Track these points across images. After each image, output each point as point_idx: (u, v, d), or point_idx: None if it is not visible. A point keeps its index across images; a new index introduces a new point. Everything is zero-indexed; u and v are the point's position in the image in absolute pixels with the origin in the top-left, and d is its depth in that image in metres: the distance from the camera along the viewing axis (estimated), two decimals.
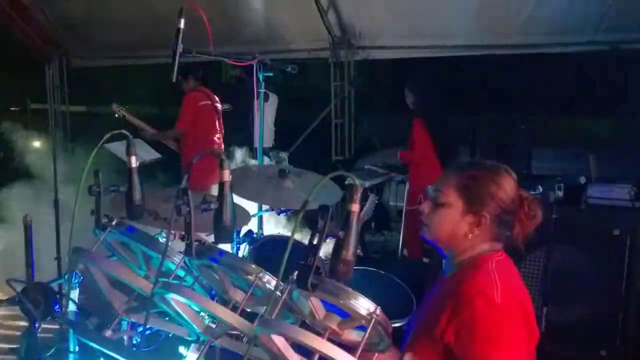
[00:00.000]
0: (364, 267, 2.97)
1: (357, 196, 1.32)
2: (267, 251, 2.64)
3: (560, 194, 2.74)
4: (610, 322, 3.02)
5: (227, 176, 1.48)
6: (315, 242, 1.26)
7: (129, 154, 1.69)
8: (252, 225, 3.09)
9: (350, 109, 6.79)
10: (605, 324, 3.05)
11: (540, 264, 2.93)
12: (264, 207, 3.06)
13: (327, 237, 1.28)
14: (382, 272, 2.89)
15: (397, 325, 2.45)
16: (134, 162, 1.71)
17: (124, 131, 1.65)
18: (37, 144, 6.93)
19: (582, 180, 2.72)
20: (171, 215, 1.48)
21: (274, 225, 3.24)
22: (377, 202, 3.57)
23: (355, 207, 1.32)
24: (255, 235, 2.83)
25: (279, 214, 2.88)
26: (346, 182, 1.36)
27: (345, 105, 6.78)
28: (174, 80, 2.35)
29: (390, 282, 2.88)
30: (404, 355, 1.71)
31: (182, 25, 2.34)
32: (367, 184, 5.04)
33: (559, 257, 2.96)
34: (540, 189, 3.00)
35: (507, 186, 1.80)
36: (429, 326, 1.78)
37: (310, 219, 1.33)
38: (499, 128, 5.62)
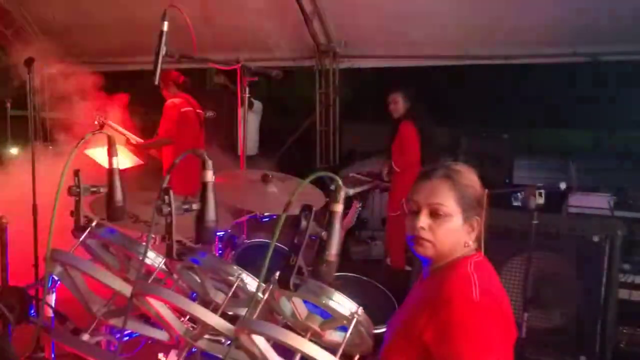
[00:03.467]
0: (346, 273, 2.96)
1: (340, 197, 1.32)
2: (250, 256, 2.63)
3: (541, 200, 2.76)
4: (589, 328, 3.04)
5: (209, 177, 1.47)
6: (297, 242, 1.25)
7: (109, 154, 1.67)
8: (235, 230, 3.07)
9: (335, 117, 6.81)
10: (584, 329, 3.07)
11: (520, 269, 2.95)
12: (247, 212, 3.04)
13: (309, 237, 1.27)
14: (365, 278, 2.89)
15: (379, 331, 2.45)
16: (115, 163, 1.69)
17: (104, 131, 1.63)
18: (16, 150, 6.85)
19: (563, 186, 2.75)
20: (153, 217, 1.46)
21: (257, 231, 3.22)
22: (360, 209, 3.58)
23: (337, 208, 1.31)
24: (238, 241, 2.81)
25: (262, 221, 2.87)
26: (331, 187, 1.34)
27: (330, 113, 6.79)
28: (156, 82, 2.33)
29: (373, 288, 2.88)
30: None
31: (165, 27, 2.32)
32: (352, 192, 5.04)
33: (539, 263, 2.98)
34: (520, 196, 3.02)
35: (480, 183, 1.83)
36: (408, 327, 1.78)
37: (292, 223, 1.32)
38: (482, 138, 5.67)
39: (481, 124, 6.27)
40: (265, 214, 2.81)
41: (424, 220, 1.75)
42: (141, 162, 5.20)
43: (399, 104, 5.19)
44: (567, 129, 7.37)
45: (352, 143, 7.26)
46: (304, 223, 1.24)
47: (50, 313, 1.89)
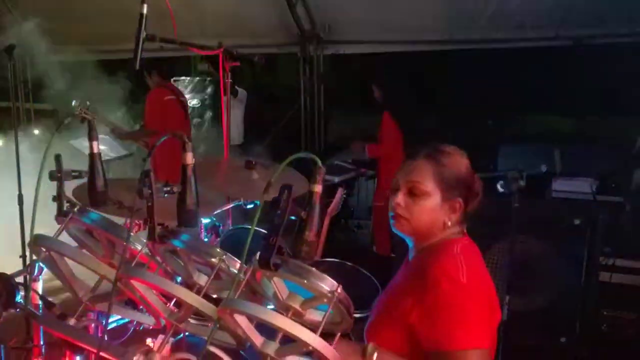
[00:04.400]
0: (330, 259, 2.99)
1: (320, 177, 1.34)
2: (235, 242, 2.64)
3: (522, 183, 2.80)
4: (570, 310, 3.10)
5: (189, 159, 1.48)
6: (276, 222, 1.27)
7: (90, 138, 1.68)
8: (219, 217, 3.08)
9: (320, 104, 6.79)
10: (565, 311, 3.13)
11: (503, 253, 3.00)
12: (231, 199, 3.05)
13: (289, 217, 1.29)
14: (349, 264, 2.92)
15: (363, 315, 2.48)
16: (96, 148, 1.69)
17: (85, 115, 1.63)
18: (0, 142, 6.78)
19: (543, 168, 2.78)
20: (135, 200, 1.47)
21: (242, 218, 3.23)
22: (345, 196, 3.59)
23: (317, 188, 1.33)
24: (222, 228, 2.83)
25: (246, 207, 2.88)
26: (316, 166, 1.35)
27: (314, 100, 6.78)
28: (136, 68, 2.32)
29: (357, 273, 2.92)
30: (367, 343, 1.72)
31: (144, 10, 2.29)
32: (337, 179, 5.07)
33: (521, 247, 3.02)
34: (502, 182, 3.06)
35: (468, 165, 1.85)
36: (393, 308, 1.80)
37: (273, 202, 1.33)
38: (466, 124, 5.71)
39: (466, 110, 6.29)
40: (250, 200, 2.82)
41: (401, 198, 1.80)
42: (127, 152, 5.18)
43: (375, 93, 5.19)
44: (552, 115, 7.42)
45: (338, 131, 7.26)
46: (283, 203, 1.26)
47: (37, 300, 1.90)
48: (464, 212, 1.85)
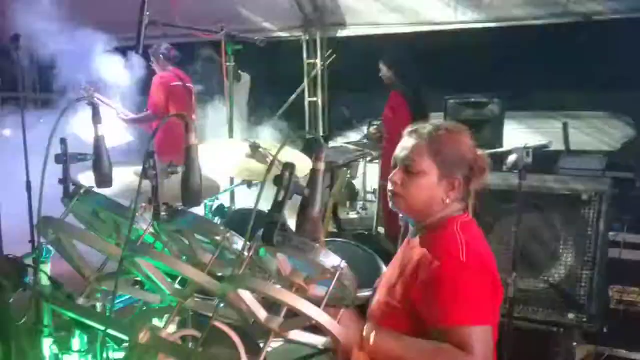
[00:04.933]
0: (334, 239, 3.00)
1: (322, 155, 1.34)
2: (239, 223, 2.65)
3: (528, 160, 2.78)
4: (579, 287, 3.09)
5: (193, 139, 1.49)
6: (280, 199, 1.28)
7: (95, 122, 1.69)
8: (224, 200, 3.10)
9: (324, 87, 6.78)
10: (574, 288, 3.12)
11: (509, 230, 2.99)
12: (236, 181, 3.07)
13: (292, 194, 1.30)
14: (353, 243, 2.93)
15: (366, 294, 2.49)
16: (100, 130, 1.71)
17: (90, 98, 1.65)
18: (8, 132, 6.81)
19: (549, 144, 2.76)
20: (140, 181, 1.48)
21: (246, 200, 3.25)
22: (348, 177, 3.60)
23: (319, 165, 1.34)
24: (227, 210, 2.84)
25: (250, 188, 2.89)
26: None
27: (318, 84, 6.77)
28: (139, 52, 2.33)
29: (361, 253, 2.92)
30: (367, 323, 1.74)
31: None
32: (341, 161, 5.06)
33: (527, 223, 3.01)
34: (508, 160, 3.03)
35: (470, 144, 1.84)
36: (395, 287, 1.82)
37: (276, 180, 1.34)
38: (471, 102, 5.65)
39: (471, 88, 6.23)
40: (254, 182, 2.84)
41: (397, 175, 1.81)
42: (131, 138, 5.20)
43: (383, 72, 5.14)
44: (558, 91, 7.34)
45: (342, 114, 7.24)
46: (286, 180, 1.27)
47: (45, 281, 1.93)
48: (466, 190, 1.84)
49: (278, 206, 1.28)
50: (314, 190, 1.32)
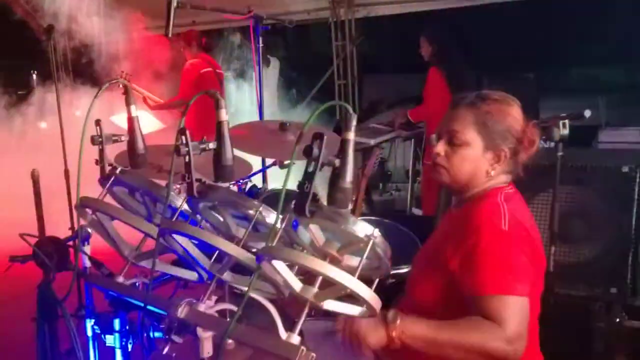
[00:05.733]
0: (368, 217, 2.99)
1: (352, 124, 1.33)
2: (271, 203, 2.67)
3: (565, 131, 2.70)
4: (620, 260, 3.02)
5: (223, 115, 1.50)
6: (311, 169, 1.28)
7: (128, 102, 1.72)
8: (257, 180, 3.12)
9: (353, 69, 6.73)
10: (615, 261, 3.05)
11: (547, 204, 2.93)
12: (267, 162, 3.08)
13: (322, 165, 1.30)
14: (387, 220, 2.91)
15: (403, 271, 2.47)
16: (134, 111, 1.73)
17: (121, 79, 1.67)
18: (45, 123, 6.99)
19: (587, 113, 2.67)
20: (172, 158, 1.50)
21: (279, 181, 3.25)
22: (381, 156, 3.57)
23: (350, 135, 1.33)
24: (259, 190, 2.86)
25: (281, 168, 2.90)
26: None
27: (347, 65, 6.72)
28: (168, 35, 2.35)
29: (396, 231, 2.90)
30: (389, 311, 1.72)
31: None
32: (372, 141, 5.04)
33: (567, 197, 2.95)
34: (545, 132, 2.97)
35: (518, 115, 1.80)
36: (434, 257, 1.80)
37: (306, 150, 1.34)
38: (506, 78, 5.54)
39: (506, 63, 6.12)
40: (285, 162, 2.84)
41: (440, 147, 1.78)
42: (164, 125, 5.27)
43: (424, 47, 5.09)
44: (595, 66, 7.15)
45: (373, 95, 7.19)
46: (316, 150, 1.26)
47: (86, 261, 1.98)
48: (513, 162, 1.81)
49: (309, 177, 1.28)
50: (345, 160, 1.32)
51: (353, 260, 1.37)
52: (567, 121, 2.76)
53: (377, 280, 1.38)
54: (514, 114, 1.80)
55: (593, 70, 7.24)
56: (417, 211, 5.64)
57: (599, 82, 7.03)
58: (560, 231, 2.88)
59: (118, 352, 2.13)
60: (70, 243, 1.98)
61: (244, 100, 5.93)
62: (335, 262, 1.34)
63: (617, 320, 3.13)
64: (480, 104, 1.78)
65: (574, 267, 3.11)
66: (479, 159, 1.77)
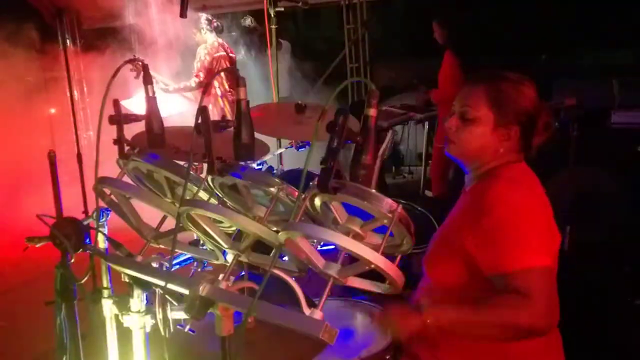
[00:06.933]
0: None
1: (374, 101, 1.32)
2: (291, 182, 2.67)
3: (581, 112, 2.69)
4: (634, 239, 3.02)
5: (243, 94, 1.48)
6: (334, 145, 1.27)
7: (145, 82, 1.70)
8: (273, 162, 3.12)
9: (365, 53, 6.70)
10: (629, 240, 3.05)
11: (562, 183, 2.92)
12: (284, 144, 3.07)
13: (345, 141, 1.29)
14: (403, 202, 2.91)
15: (420, 250, 2.48)
16: (151, 92, 1.72)
17: (138, 58, 1.66)
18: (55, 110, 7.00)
19: (604, 94, 2.66)
20: (192, 137, 1.49)
21: (295, 163, 3.26)
22: (395, 136, 3.56)
23: (372, 112, 1.32)
24: (275, 171, 2.86)
25: (298, 150, 2.90)
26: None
27: (359, 49, 6.68)
28: (185, 17, 2.33)
29: (412, 211, 2.91)
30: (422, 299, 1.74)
31: None
32: (385, 124, 5.03)
33: (581, 176, 2.95)
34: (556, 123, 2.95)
35: (532, 95, 1.80)
36: (450, 236, 1.81)
37: (329, 126, 1.33)
38: (520, 60, 5.50)
39: (518, 45, 6.07)
40: (301, 143, 2.84)
41: (452, 121, 1.80)
42: (184, 109, 5.26)
43: (437, 32, 5.09)
44: (607, 48, 7.07)
45: (385, 78, 7.16)
46: (339, 126, 1.25)
47: (104, 242, 1.99)
48: (525, 142, 1.81)
49: (332, 153, 1.27)
50: (367, 137, 1.31)
51: (376, 237, 1.37)
52: (581, 104, 2.76)
53: (399, 256, 1.37)
54: (527, 93, 1.80)
55: (604, 52, 7.16)
56: (429, 193, 5.63)
57: (611, 64, 6.96)
58: (574, 211, 2.88)
59: (137, 333, 2.14)
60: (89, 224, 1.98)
61: (255, 83, 5.90)
62: (358, 238, 1.33)
63: (630, 298, 3.14)
64: (495, 82, 1.80)
65: (589, 246, 3.11)
66: (488, 135, 1.78)
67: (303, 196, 1.31)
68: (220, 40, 5.31)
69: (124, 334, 2.20)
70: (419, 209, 2.79)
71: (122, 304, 2.14)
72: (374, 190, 1.26)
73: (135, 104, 4.49)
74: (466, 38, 5.06)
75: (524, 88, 1.80)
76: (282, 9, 2.96)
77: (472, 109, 1.77)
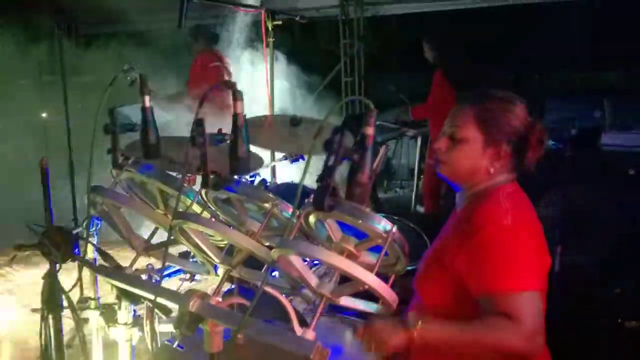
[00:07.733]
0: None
1: (372, 120, 1.32)
2: (283, 196, 2.66)
3: (573, 132, 2.71)
4: (625, 260, 3.03)
5: (240, 108, 1.47)
6: (330, 163, 1.26)
7: (142, 93, 1.69)
8: (266, 174, 3.10)
9: (360, 67, 6.73)
10: (620, 261, 3.06)
11: (554, 203, 2.93)
12: (277, 156, 3.06)
13: (342, 159, 1.28)
14: (396, 217, 2.91)
15: (411, 267, 2.47)
16: (148, 102, 1.71)
17: (134, 66, 1.65)
18: (49, 113, 6.94)
19: (597, 114, 2.68)
20: (186, 149, 1.48)
21: (288, 175, 3.25)
22: (388, 151, 3.56)
23: (370, 131, 1.31)
24: (269, 184, 2.85)
25: (292, 162, 2.89)
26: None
27: (355, 64, 6.71)
28: (181, 27, 2.33)
29: (404, 228, 2.90)
30: (409, 314, 1.73)
31: None
32: (379, 139, 5.03)
33: (573, 197, 2.96)
34: (551, 142, 2.97)
35: (522, 114, 1.79)
36: (440, 256, 1.80)
37: (326, 144, 1.32)
38: (512, 79, 5.55)
39: (511, 65, 6.12)
40: (295, 156, 2.83)
41: (442, 142, 1.81)
42: (170, 117, 5.22)
43: (427, 52, 5.12)
44: (600, 69, 7.15)
45: (379, 93, 7.18)
46: (336, 144, 1.24)
47: (93, 252, 1.96)
48: (516, 161, 1.80)
49: (328, 170, 1.26)
50: (364, 155, 1.30)
51: (370, 256, 1.36)
52: (576, 122, 2.77)
53: (393, 276, 1.36)
54: (516, 111, 1.79)
55: (597, 72, 7.23)
56: (421, 209, 5.64)
57: (603, 84, 7.03)
58: (567, 231, 2.88)
59: (123, 346, 2.11)
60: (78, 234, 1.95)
61: (251, 95, 5.89)
62: (352, 257, 1.32)
63: (619, 320, 3.14)
64: (483, 102, 1.80)
65: (579, 267, 3.12)
66: (478, 155, 1.77)
67: (298, 213, 1.30)
68: (216, 50, 5.30)
69: (110, 346, 2.17)
70: (411, 225, 2.78)
71: (109, 316, 2.11)
72: (369, 210, 1.25)
73: (134, 110, 4.45)
74: (456, 57, 5.08)
75: (511, 106, 1.80)
76: (280, 22, 2.96)
77: (460, 129, 1.77)
